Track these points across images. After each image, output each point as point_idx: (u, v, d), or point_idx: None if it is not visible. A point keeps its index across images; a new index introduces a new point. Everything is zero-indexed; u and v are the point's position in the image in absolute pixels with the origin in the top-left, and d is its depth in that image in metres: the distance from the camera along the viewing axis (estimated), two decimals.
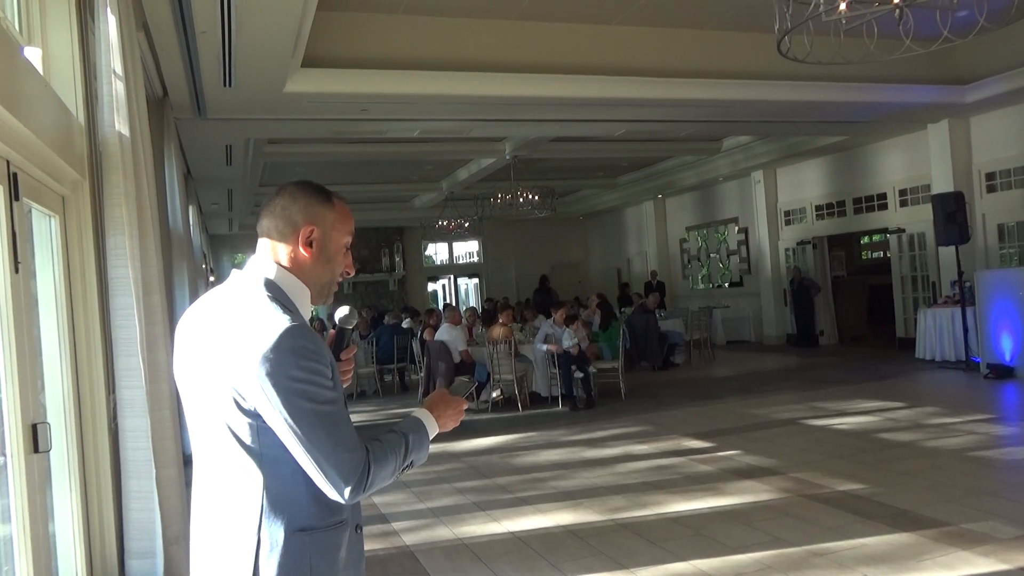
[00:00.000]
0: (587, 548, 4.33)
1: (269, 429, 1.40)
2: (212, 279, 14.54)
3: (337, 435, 1.39)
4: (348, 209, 1.62)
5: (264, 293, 1.48)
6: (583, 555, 4.22)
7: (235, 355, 1.40)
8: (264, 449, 1.42)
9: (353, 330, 1.76)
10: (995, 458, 5.72)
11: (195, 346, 1.49)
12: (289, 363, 1.36)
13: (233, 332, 1.42)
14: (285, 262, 1.55)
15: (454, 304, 18.74)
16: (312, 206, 1.55)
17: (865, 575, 3.65)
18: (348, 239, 1.62)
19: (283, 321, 1.40)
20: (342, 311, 1.71)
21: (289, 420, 1.37)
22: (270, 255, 1.55)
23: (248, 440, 1.43)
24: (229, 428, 1.44)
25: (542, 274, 17.76)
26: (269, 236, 1.56)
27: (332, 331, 1.74)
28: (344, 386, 1.76)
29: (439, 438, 1.67)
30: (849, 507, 4.67)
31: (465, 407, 1.70)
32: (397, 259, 20.11)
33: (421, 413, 1.61)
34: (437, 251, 21.76)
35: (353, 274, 1.64)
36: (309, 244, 1.55)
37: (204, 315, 1.52)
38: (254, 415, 1.41)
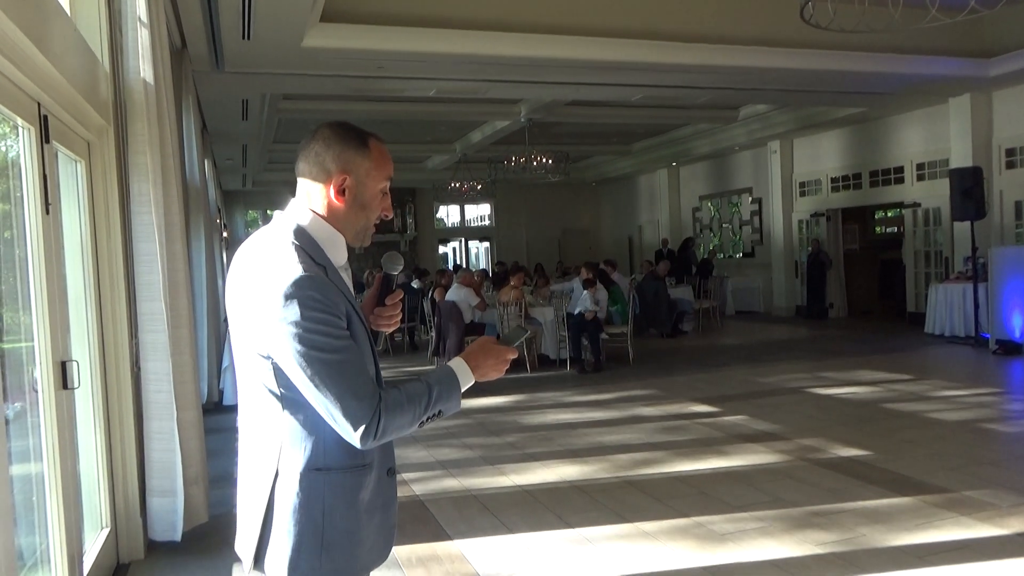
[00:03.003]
0: (592, 502, 4.44)
1: (284, 372, 1.45)
2: (225, 235, 14.63)
3: (344, 383, 1.40)
4: (385, 152, 1.58)
5: (291, 240, 1.49)
6: (588, 509, 4.33)
7: (254, 299, 1.45)
8: (283, 390, 1.47)
9: (398, 275, 1.77)
10: (999, 430, 5.78)
11: (235, 285, 1.54)
12: (296, 313, 1.38)
13: (256, 276, 1.47)
14: (319, 209, 1.55)
15: (465, 266, 18.81)
16: (346, 153, 1.52)
17: (864, 535, 3.74)
18: (385, 184, 1.59)
19: (296, 271, 1.41)
20: (387, 256, 1.74)
21: (298, 367, 1.40)
22: (305, 200, 1.56)
23: (268, 380, 1.48)
24: (254, 367, 1.50)
25: (687, 236, 17.32)
26: (304, 180, 1.57)
27: (379, 275, 1.77)
28: (390, 331, 1.79)
29: None
30: (851, 472, 4.76)
31: (512, 356, 1.62)
32: (409, 220, 20.13)
33: (455, 363, 1.58)
34: (448, 213, 21.76)
35: (391, 217, 1.64)
36: (342, 192, 1.54)
37: (245, 255, 1.55)
38: (269, 358, 1.46)
